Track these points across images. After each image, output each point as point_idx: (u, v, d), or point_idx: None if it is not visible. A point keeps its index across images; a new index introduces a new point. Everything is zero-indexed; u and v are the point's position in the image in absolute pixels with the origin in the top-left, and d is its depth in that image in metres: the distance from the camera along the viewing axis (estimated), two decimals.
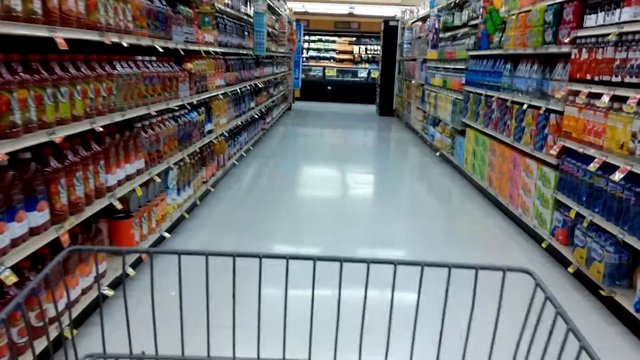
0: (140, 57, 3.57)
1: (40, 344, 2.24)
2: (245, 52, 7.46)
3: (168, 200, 4.13)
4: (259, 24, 7.42)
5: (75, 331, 2.53)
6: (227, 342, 1.23)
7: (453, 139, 7.60)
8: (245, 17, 7.38)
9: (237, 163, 7.07)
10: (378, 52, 22.61)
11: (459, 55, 7.49)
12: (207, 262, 1.10)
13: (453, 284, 1.12)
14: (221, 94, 6.00)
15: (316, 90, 18.82)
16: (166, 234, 3.98)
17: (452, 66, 7.97)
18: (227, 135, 6.37)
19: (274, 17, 10.66)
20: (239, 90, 7.12)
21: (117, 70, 3.10)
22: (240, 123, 7.19)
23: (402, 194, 6.43)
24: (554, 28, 4.31)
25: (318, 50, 22.62)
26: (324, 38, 22.49)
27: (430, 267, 1.09)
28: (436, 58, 8.99)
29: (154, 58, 3.79)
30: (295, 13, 16.92)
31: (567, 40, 4.04)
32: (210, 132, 5.52)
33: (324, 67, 20.01)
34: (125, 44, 3.14)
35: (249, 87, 7.85)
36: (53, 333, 2.40)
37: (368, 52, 22.95)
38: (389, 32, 14.54)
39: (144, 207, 3.60)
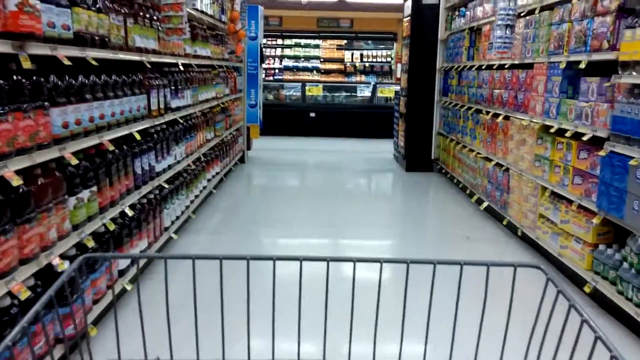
0: None
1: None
2: None
3: None
4: None
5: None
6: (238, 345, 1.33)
7: None
8: None
9: None
10: (378, 61, 16.08)
11: None
12: (222, 266, 1.13)
13: (463, 281, 1.13)
14: None
15: (292, 119, 11.84)
16: None
17: None
18: None
19: None
20: None
21: None
22: None
23: None
24: None
25: (296, 58, 15.80)
26: (302, 42, 15.75)
27: (440, 265, 1.10)
28: None
29: None
30: (265, 8, 10.09)
31: None
32: None
33: (304, 83, 12.94)
34: None
35: None
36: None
37: (364, 59, 16.29)
38: (420, 19, 7.84)
39: None
